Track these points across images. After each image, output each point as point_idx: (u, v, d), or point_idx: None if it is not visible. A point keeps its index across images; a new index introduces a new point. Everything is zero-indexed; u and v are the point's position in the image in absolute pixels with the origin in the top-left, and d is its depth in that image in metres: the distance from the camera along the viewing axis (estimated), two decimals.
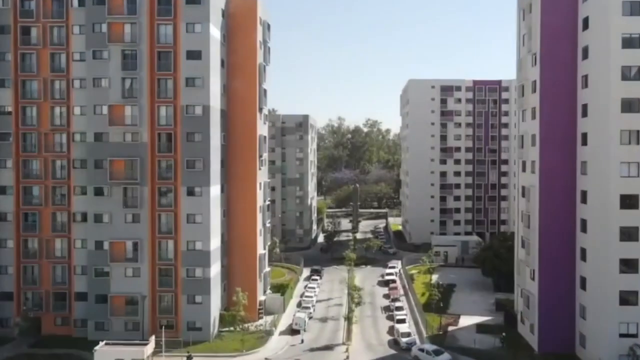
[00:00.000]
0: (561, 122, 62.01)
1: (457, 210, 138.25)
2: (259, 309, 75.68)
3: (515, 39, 75.89)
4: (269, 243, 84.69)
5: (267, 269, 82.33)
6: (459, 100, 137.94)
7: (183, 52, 66.61)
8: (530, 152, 65.92)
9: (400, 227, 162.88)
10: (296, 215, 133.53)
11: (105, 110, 66.41)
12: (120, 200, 66.50)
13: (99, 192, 66.80)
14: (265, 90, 78.80)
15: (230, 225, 75.13)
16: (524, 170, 69.63)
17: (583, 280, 60.41)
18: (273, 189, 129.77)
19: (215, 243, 69.05)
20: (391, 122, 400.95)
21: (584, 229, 60.31)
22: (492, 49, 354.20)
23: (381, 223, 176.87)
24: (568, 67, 61.66)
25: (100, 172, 66.53)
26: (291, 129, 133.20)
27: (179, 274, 67.19)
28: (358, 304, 75.96)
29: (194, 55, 66.63)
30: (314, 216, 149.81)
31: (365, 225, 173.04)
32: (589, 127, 59.37)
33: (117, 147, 66.53)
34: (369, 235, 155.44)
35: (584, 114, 60.23)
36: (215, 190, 69.20)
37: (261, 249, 78.21)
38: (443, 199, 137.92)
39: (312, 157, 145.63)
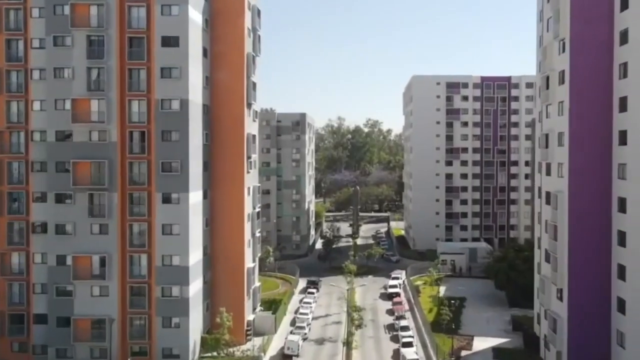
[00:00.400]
0: (594, 117, 53.02)
1: (464, 214, 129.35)
2: (247, 331, 66.78)
3: (535, 26, 67.05)
4: (260, 254, 75.81)
5: (257, 283, 73.43)
6: (466, 98, 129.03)
7: (158, 38, 57.79)
8: (556, 152, 56.98)
9: (402, 232, 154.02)
10: (292, 221, 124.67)
11: (68, 105, 57.61)
12: (86, 208, 57.66)
13: (61, 199, 58.01)
14: (254, 84, 69.94)
15: (214, 236, 66.26)
16: (548, 173, 60.69)
17: (621, 303, 51.44)
18: (268, 192, 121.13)
19: (195, 257, 60.21)
20: (392, 122, 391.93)
21: (622, 242, 51.32)
22: (493, 48, 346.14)
23: (383, 227, 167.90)
24: (603, 54, 52.66)
25: (62, 176, 57.70)
26: (287, 129, 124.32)
27: (153, 293, 58.34)
28: (359, 326, 66.99)
29: (171, 41, 57.79)
30: (312, 221, 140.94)
31: (366, 230, 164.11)
32: (628, 124, 50.36)
33: (82, 148, 57.74)
34: (370, 241, 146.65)
35: (622, 109, 51.22)
36: (195, 196, 60.36)
37: (250, 262, 69.37)
38: (449, 202, 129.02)
39: (310, 158, 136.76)
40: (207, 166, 64.90)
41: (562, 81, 55.48)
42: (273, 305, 78.36)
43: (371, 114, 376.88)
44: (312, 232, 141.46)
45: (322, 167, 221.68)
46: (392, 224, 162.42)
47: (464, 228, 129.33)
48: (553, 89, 57.45)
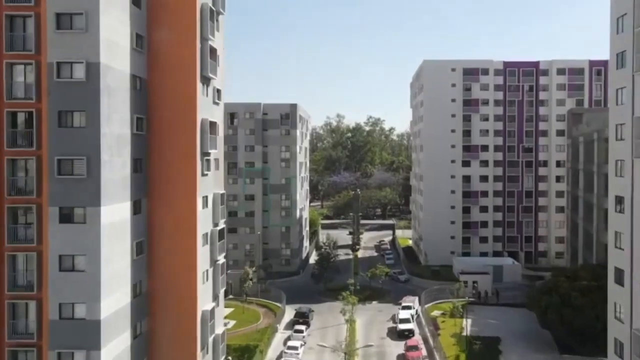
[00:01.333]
0: None
1: (484, 224, 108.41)
2: None
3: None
4: (224, 288, 54.77)
5: (220, 330, 52.25)
6: (486, 87, 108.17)
7: None
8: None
9: (410, 242, 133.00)
10: (281, 231, 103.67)
11: None
12: None
13: None
14: (214, 51, 49.01)
15: (153, 268, 45.18)
16: (619, 174, 40.27)
17: None
18: (252, 197, 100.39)
19: (115, 303, 39.24)
20: (395, 120, 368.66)
21: None
22: (514, 30, 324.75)
23: (386, 235, 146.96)
24: None
25: None
26: (275, 122, 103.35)
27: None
28: None
29: None
30: (306, 230, 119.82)
31: (368, 239, 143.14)
32: None
33: None
34: (373, 253, 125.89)
35: None
36: (115, 211, 39.39)
37: (207, 303, 48.39)
38: (466, 210, 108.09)
39: (303, 157, 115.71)
40: (139, 166, 43.87)
41: None
42: (247, 355, 57.46)
43: (372, 111, 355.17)
44: (306, 243, 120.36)
45: (320, 168, 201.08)
46: (398, 232, 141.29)
47: (483, 240, 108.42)
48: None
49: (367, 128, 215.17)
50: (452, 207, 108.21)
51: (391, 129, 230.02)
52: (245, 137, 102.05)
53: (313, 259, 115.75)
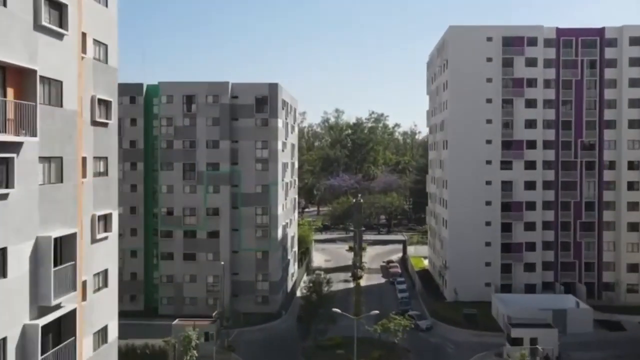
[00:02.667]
0: None
1: (530, 246, 79.11)
2: None
3: None
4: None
5: None
6: (534, 62, 78.98)
7: None
8: None
9: (424, 262, 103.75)
10: (257, 258, 74.24)
11: None
12: None
13: None
14: None
15: None
16: None
17: None
18: (216, 212, 71.39)
19: None
20: (399, 116, 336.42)
21: None
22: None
23: (394, 251, 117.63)
24: None
25: None
26: (247, 109, 73.94)
27: None
28: None
29: None
30: (292, 252, 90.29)
31: (373, 257, 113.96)
32: None
33: None
34: (379, 277, 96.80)
35: None
36: None
37: None
38: (506, 227, 78.89)
39: (289, 156, 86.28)
40: None
41: None
42: None
43: (373, 106, 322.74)
44: (293, 268, 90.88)
45: (317, 169, 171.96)
46: (410, 249, 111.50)
47: (529, 267, 79.15)
48: None
49: (369, 124, 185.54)
50: (488, 224, 78.92)
51: (396, 125, 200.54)
52: (207, 128, 72.77)
53: (302, 290, 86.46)
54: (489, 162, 79.13)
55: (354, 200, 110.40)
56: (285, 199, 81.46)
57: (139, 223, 74.17)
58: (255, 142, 73.99)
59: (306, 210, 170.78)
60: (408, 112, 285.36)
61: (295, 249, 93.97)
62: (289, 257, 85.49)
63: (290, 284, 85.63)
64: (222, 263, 70.57)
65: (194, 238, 72.88)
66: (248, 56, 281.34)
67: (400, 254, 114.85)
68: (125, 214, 73.83)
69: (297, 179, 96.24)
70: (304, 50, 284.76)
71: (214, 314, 63.76)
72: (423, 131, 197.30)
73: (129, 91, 73.79)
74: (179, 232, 72.72)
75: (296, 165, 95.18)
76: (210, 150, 72.99)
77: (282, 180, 78.30)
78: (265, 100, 74.00)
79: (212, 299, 72.13)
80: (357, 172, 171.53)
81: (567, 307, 66.95)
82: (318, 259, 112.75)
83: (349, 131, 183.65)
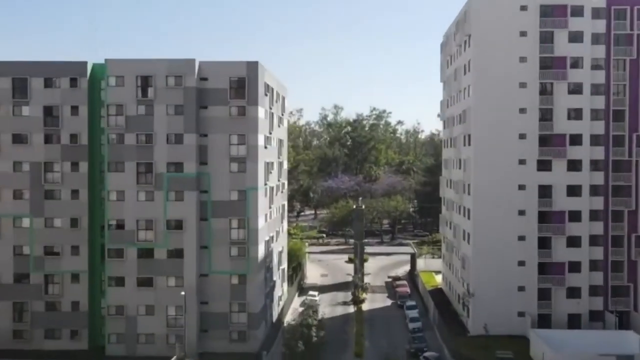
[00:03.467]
0: None
1: (574, 266, 62.75)
2: None
3: None
4: None
5: None
6: (578, 37, 62.64)
7: None
8: None
9: (438, 280, 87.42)
10: (231, 283, 57.65)
11: None
12: None
13: None
14: None
15: None
16: None
17: None
18: (179, 225, 55.10)
19: None
20: (400, 114, 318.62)
21: None
22: None
23: (400, 263, 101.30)
24: None
25: None
26: (220, 94, 57.33)
27: None
28: None
29: None
30: (280, 271, 73.66)
31: (376, 269, 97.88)
32: None
33: None
34: (384, 298, 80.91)
35: None
36: None
37: None
38: (544, 243, 62.59)
39: (275, 154, 69.79)
40: None
41: None
42: None
43: (374, 103, 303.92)
44: (280, 290, 74.31)
45: (314, 169, 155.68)
46: (419, 262, 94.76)
47: (573, 293, 62.89)
48: None
49: (371, 121, 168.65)
50: (521, 239, 62.53)
51: (399, 123, 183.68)
52: (168, 119, 56.29)
53: (292, 315, 70.10)
54: (522, 162, 62.66)
55: (355, 206, 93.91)
56: (270, 207, 64.85)
57: (82, 239, 57.57)
58: (230, 136, 57.34)
59: (301, 215, 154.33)
60: (409, 110, 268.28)
61: (284, 266, 77.38)
62: (275, 277, 68.94)
63: (276, 311, 69.09)
64: (183, 294, 54.02)
65: (151, 258, 56.33)
66: (233, 45, 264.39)
67: (406, 266, 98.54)
68: (65, 228, 57.37)
69: (286, 182, 79.53)
70: (301, 45, 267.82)
71: (174, 359, 47.60)
72: (426, 129, 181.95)
73: (68, 71, 57.29)
74: (131, 250, 56.20)
75: (285, 166, 78.55)
76: (172, 147, 56.37)
77: (265, 184, 61.70)
78: (242, 83, 57.35)
79: (174, 336, 55.67)
80: (358, 172, 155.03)
81: (634, 353, 50.44)
82: (313, 273, 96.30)
83: (349, 128, 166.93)
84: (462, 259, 67.00)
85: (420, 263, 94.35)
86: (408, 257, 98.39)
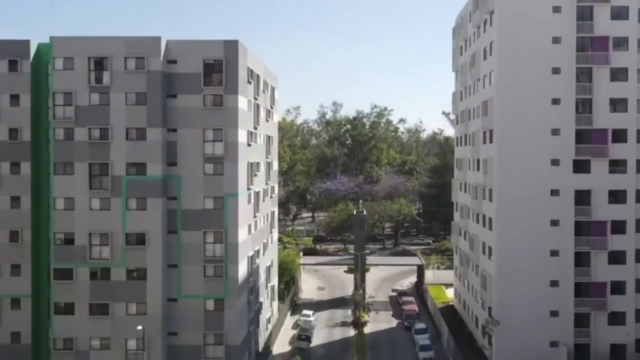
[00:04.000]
0: None
1: (618, 286, 51.97)
2: None
3: None
4: None
5: None
6: (623, 13, 51.97)
7: None
8: None
9: (449, 295, 76.93)
10: (206, 309, 46.89)
11: None
12: None
13: None
14: None
15: None
16: None
17: None
18: (141, 240, 44.44)
19: None
20: (403, 110, 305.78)
21: None
22: None
23: (405, 274, 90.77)
24: None
25: None
26: (192, 81, 46.63)
27: None
28: None
29: None
30: (268, 288, 62.85)
31: (378, 281, 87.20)
32: None
33: None
34: (389, 317, 70.49)
35: None
36: None
37: None
38: (582, 259, 52.08)
39: (263, 153, 59.05)
40: None
41: None
42: None
43: (374, 99, 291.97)
44: (269, 312, 63.57)
45: (312, 170, 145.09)
46: (428, 274, 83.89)
47: (617, 319, 51.99)
48: None
49: (372, 119, 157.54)
50: (554, 254, 51.91)
51: (401, 121, 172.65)
52: (128, 110, 45.59)
53: (284, 336, 59.47)
54: (555, 163, 52.07)
55: (355, 212, 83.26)
56: (255, 216, 54.13)
57: (24, 256, 46.98)
58: (205, 130, 46.72)
59: (298, 218, 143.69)
60: (410, 108, 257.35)
61: (274, 282, 66.67)
62: (262, 297, 58.24)
63: (264, 337, 58.38)
64: (139, 328, 43.34)
65: (107, 280, 45.68)
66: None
67: (412, 277, 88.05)
68: (3, 242, 46.78)
69: (277, 186, 68.76)
70: (298, 40, 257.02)
71: None
72: (427, 128, 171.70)
73: (6, 52, 46.70)
74: (82, 270, 45.58)
75: (275, 166, 67.89)
76: (133, 144, 45.75)
77: (249, 188, 51.03)
78: (219, 67, 46.69)
79: None
80: (358, 173, 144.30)
81: None
82: (309, 285, 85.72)
83: (348, 126, 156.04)
84: (482, 277, 56.24)
85: (429, 275, 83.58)
86: (412, 264, 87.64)
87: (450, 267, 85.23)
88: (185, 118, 46.59)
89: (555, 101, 51.95)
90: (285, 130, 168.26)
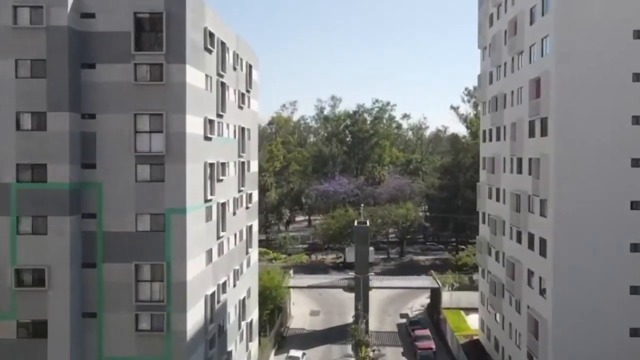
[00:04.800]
0: None
1: None
2: None
3: None
4: None
5: None
6: None
7: None
8: None
9: (472, 325, 61.52)
10: None
11: None
12: None
13: None
14: None
15: None
16: None
17: None
18: (40, 280, 28.14)
19: None
20: (405, 105, 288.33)
21: None
22: None
23: (415, 294, 75.28)
24: None
25: None
26: (119, 43, 31.44)
27: None
28: None
29: None
30: (242, 329, 47.17)
31: (382, 301, 71.99)
32: None
33: None
34: (399, 354, 54.68)
35: None
36: None
37: None
38: None
39: (234, 151, 43.53)
40: None
41: None
42: None
43: (375, 93, 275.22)
44: (246, 353, 47.81)
45: (309, 170, 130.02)
46: (444, 297, 67.94)
47: None
48: None
49: (373, 114, 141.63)
50: (636, 291, 36.23)
51: (405, 116, 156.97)
52: (19, 84, 30.06)
53: None
54: (636, 164, 36.56)
55: (355, 222, 67.78)
56: (220, 237, 38.55)
57: None
58: (137, 116, 31.28)
59: (296, 222, 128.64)
60: (413, 103, 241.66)
61: (253, 316, 50.96)
62: (232, 344, 42.69)
63: None
64: None
65: None
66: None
67: (423, 297, 72.89)
68: None
69: (256, 192, 52.96)
70: (295, 34, 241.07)
71: None
72: (431, 125, 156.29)
73: None
74: None
75: (254, 168, 52.22)
76: (27, 135, 30.36)
77: (208, 199, 35.51)
78: (158, 24, 31.23)
79: None
80: (358, 173, 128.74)
81: None
82: (300, 309, 70.41)
83: (348, 122, 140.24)
84: (530, 319, 40.69)
85: (445, 296, 67.95)
86: (422, 280, 72.02)
87: (469, 287, 69.99)
88: (107, 98, 31.16)
89: (638, 77, 36.55)
90: (280, 126, 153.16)
